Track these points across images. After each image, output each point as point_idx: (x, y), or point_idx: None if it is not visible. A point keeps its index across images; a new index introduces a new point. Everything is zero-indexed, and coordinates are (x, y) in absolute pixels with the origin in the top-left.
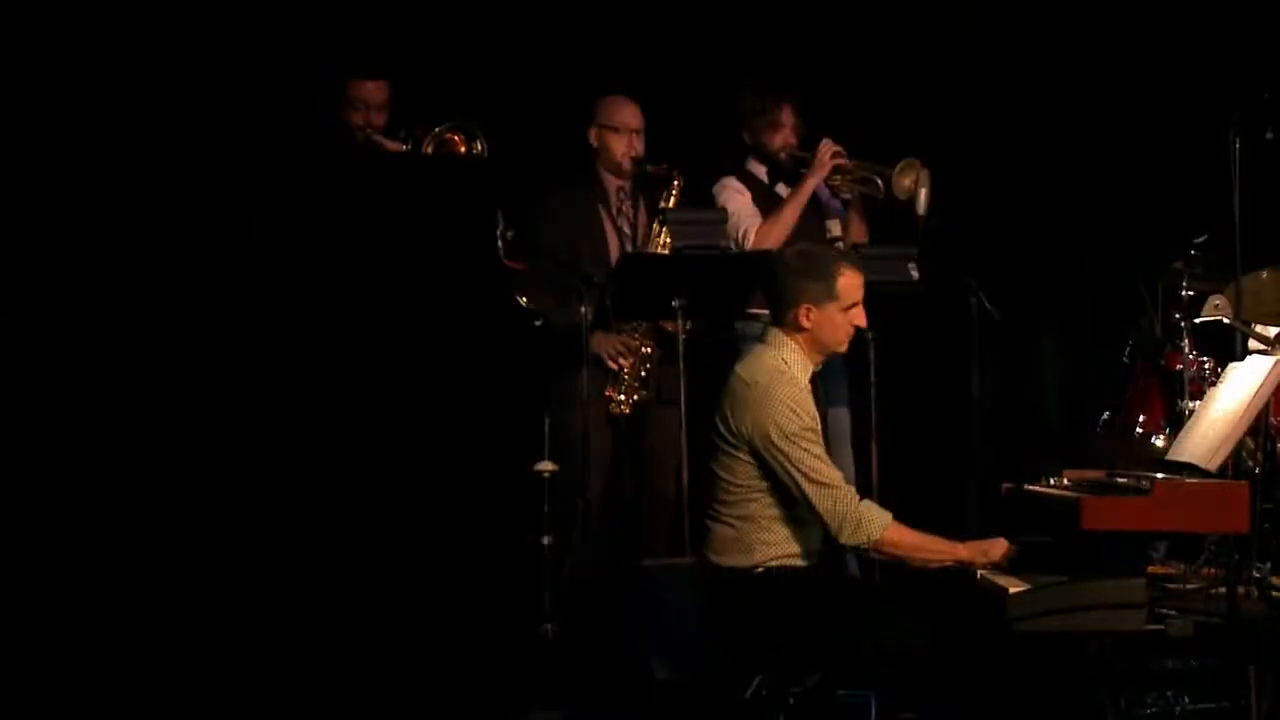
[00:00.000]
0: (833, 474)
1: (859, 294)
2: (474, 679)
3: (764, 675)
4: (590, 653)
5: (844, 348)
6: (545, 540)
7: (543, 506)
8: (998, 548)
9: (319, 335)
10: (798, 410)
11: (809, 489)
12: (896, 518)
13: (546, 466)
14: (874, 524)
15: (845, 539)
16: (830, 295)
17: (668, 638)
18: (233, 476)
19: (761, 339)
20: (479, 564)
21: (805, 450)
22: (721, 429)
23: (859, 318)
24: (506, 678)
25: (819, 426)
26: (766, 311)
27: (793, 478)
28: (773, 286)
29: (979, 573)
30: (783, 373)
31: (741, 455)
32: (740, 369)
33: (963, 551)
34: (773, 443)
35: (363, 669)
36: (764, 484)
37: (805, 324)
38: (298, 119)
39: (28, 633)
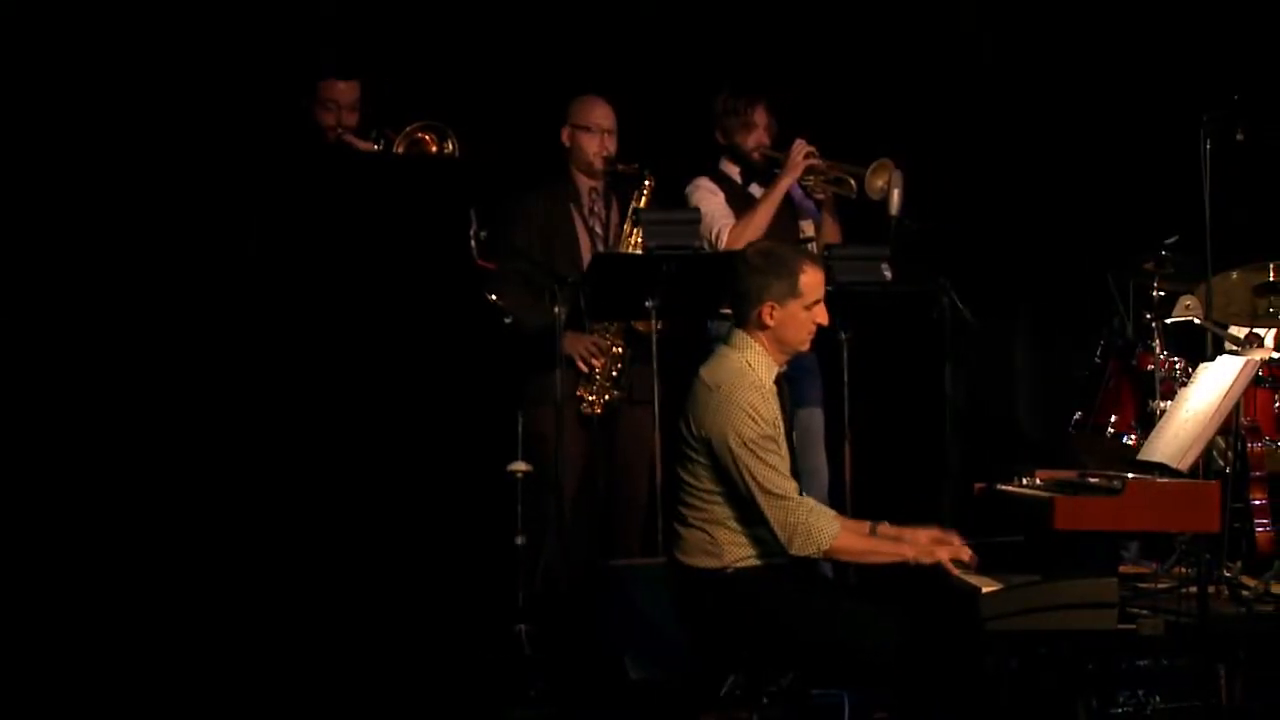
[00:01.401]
0: (786, 484)
1: (821, 291)
2: (449, 679)
3: (738, 675)
4: (564, 653)
5: (807, 346)
6: (519, 540)
7: (516, 507)
8: (943, 548)
9: (296, 335)
10: (757, 417)
11: (761, 498)
12: (875, 516)
13: (520, 467)
14: (823, 534)
15: (795, 549)
16: (793, 292)
17: (641, 638)
18: (210, 475)
19: (725, 340)
20: (453, 564)
21: (760, 459)
22: (685, 432)
23: (821, 315)
24: (481, 678)
25: (780, 432)
26: None
27: (747, 485)
28: (735, 285)
29: (954, 572)
30: (745, 375)
31: (703, 459)
32: (704, 371)
33: (908, 551)
34: (730, 448)
35: (339, 669)
36: (726, 487)
37: (768, 322)
38: (271, 119)
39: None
